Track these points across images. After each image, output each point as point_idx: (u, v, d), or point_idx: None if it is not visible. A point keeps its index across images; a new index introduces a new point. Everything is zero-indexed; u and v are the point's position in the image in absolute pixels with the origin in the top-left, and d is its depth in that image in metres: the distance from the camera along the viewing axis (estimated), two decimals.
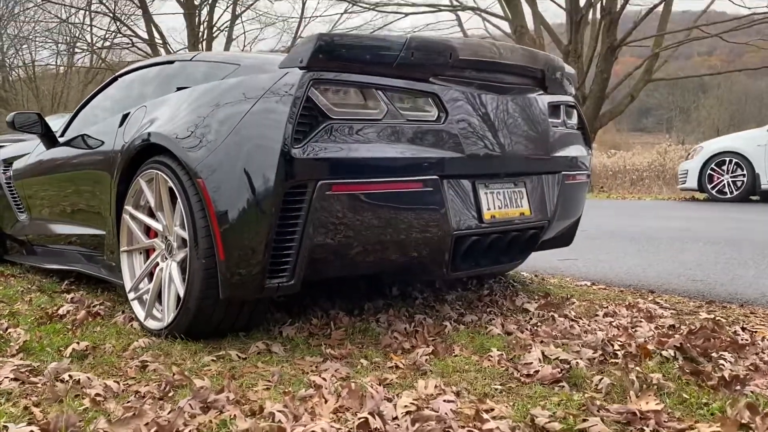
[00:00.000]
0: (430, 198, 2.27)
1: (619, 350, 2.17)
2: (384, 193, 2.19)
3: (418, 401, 1.71)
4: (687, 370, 1.94)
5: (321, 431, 1.52)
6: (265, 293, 2.15)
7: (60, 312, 2.74)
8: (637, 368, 1.97)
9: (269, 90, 2.18)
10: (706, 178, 9.10)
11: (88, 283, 3.44)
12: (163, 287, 2.42)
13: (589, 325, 2.56)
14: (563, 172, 2.83)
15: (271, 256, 2.10)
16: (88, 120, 3.54)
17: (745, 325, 2.57)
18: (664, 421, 1.60)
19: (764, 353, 2.16)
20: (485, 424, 1.57)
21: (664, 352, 2.11)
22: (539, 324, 2.56)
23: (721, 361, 2.05)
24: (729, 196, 8.88)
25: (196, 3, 20.75)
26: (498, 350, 2.17)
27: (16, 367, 1.98)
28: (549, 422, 1.59)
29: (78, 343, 2.24)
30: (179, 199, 2.30)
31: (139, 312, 2.54)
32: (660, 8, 15.62)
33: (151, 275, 2.55)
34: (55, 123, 3.97)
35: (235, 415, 1.62)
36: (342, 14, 22.04)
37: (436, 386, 1.82)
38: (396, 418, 1.62)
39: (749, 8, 15.15)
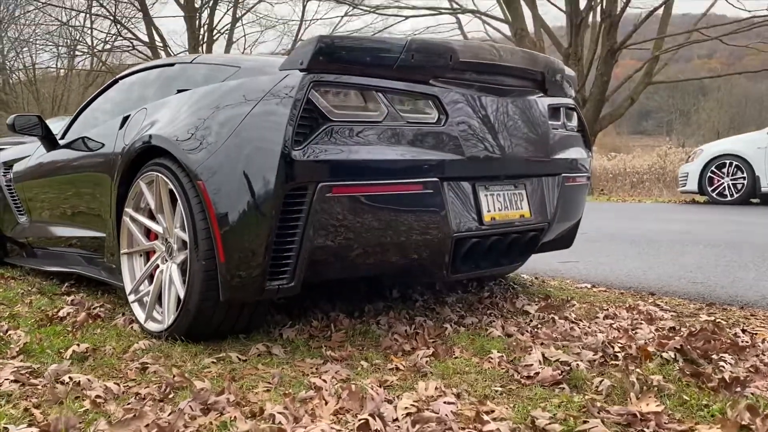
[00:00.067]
0: (430, 200, 2.27)
1: (619, 352, 2.17)
2: (384, 195, 2.19)
3: (418, 403, 1.71)
4: (687, 372, 1.94)
5: None
6: (266, 295, 2.15)
7: (60, 314, 2.74)
8: (638, 370, 1.97)
9: (269, 92, 2.18)
10: (706, 180, 9.10)
11: (88, 286, 3.44)
12: (164, 289, 2.42)
13: (589, 327, 2.55)
14: (563, 174, 2.84)
15: (272, 258, 2.10)
16: (88, 122, 3.54)
17: (745, 327, 2.57)
18: (665, 423, 1.60)
19: (764, 355, 2.16)
20: (485, 425, 1.57)
21: (664, 354, 2.11)
22: (539, 326, 2.56)
23: (722, 363, 2.05)
24: (729, 198, 8.88)
25: (196, 6, 20.78)
26: (498, 352, 2.17)
27: (16, 368, 1.98)
28: (549, 424, 1.59)
29: (78, 345, 2.24)
30: (179, 201, 2.30)
31: (140, 314, 2.55)
32: (660, 11, 15.65)
33: (151, 277, 2.55)
34: (56, 126, 3.97)
35: (235, 417, 1.62)
36: (342, 17, 22.02)
37: (436, 388, 1.82)
38: (396, 419, 1.62)
39: (749, 11, 15.16)
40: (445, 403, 1.70)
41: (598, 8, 15.35)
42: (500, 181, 2.55)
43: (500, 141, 2.51)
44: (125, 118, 2.92)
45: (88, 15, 21.99)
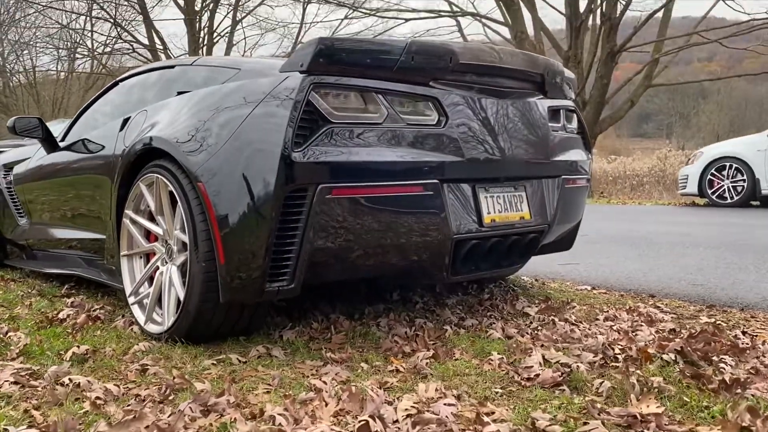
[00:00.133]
0: (430, 202, 2.27)
1: (619, 354, 2.16)
2: (384, 197, 2.19)
3: (418, 404, 1.71)
4: (687, 374, 1.94)
5: None
6: (266, 297, 2.15)
7: (60, 316, 2.74)
8: (638, 372, 1.97)
9: (270, 94, 2.18)
10: (706, 183, 9.11)
11: (88, 288, 3.44)
12: (164, 291, 2.42)
13: (589, 329, 2.55)
14: (563, 176, 2.84)
15: (272, 260, 2.10)
16: (88, 124, 3.55)
17: (745, 329, 2.57)
18: (665, 424, 1.59)
19: (765, 357, 2.16)
20: (486, 427, 1.57)
21: (664, 356, 2.11)
22: (540, 328, 2.56)
23: (722, 365, 2.05)
24: (729, 201, 8.88)
25: (196, 9, 20.80)
26: (498, 354, 2.17)
27: (16, 370, 1.98)
28: (550, 425, 1.59)
29: (78, 346, 2.24)
30: (179, 203, 2.30)
31: (140, 316, 2.54)
32: (660, 14, 15.68)
33: (151, 279, 2.55)
34: (56, 128, 3.98)
35: (235, 419, 1.62)
36: (342, 20, 22.05)
37: (436, 390, 1.82)
38: (396, 421, 1.62)
39: (749, 14, 15.16)
40: (445, 404, 1.70)
41: (598, 11, 15.37)
42: (500, 183, 2.55)
43: (500, 143, 2.51)
44: (125, 120, 2.93)
45: (88, 18, 22.03)
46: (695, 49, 19.78)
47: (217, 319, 2.28)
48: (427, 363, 2.08)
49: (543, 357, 2.11)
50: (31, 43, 23.62)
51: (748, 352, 2.19)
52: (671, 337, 2.41)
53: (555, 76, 2.81)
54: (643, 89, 16.48)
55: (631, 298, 3.25)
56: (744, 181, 8.75)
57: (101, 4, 20.66)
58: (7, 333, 2.47)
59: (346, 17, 21.48)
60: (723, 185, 8.97)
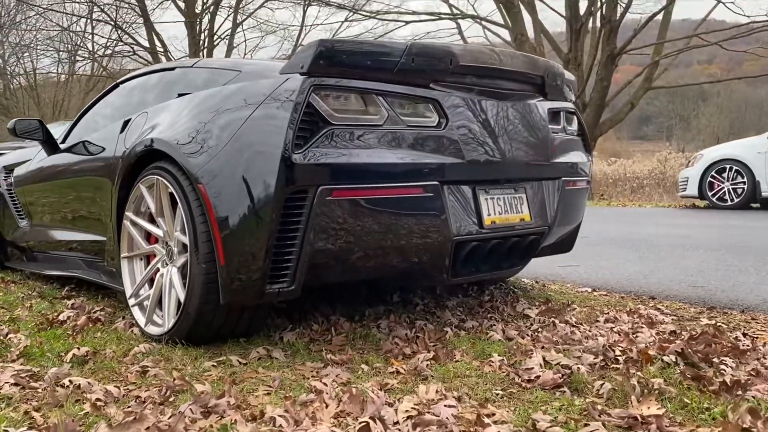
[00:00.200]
0: (430, 204, 2.27)
1: (620, 355, 2.16)
2: (384, 199, 2.19)
3: (419, 406, 1.71)
4: (688, 375, 1.94)
5: None
6: (266, 299, 2.15)
7: (60, 318, 2.74)
8: (639, 373, 1.97)
9: (270, 96, 2.18)
10: (706, 185, 9.11)
11: (88, 290, 3.44)
12: (164, 293, 2.42)
13: (590, 331, 2.55)
14: (563, 178, 2.84)
15: (272, 262, 2.10)
16: (89, 126, 3.55)
17: (746, 331, 2.57)
18: (666, 426, 1.59)
19: (765, 359, 2.16)
20: (486, 428, 1.57)
21: (665, 358, 2.11)
22: (540, 330, 2.56)
23: (723, 367, 2.04)
24: (729, 203, 8.88)
25: (197, 11, 20.82)
26: (499, 356, 2.17)
27: (16, 372, 1.98)
28: (550, 427, 1.59)
29: (78, 348, 2.24)
30: (180, 204, 2.30)
31: (140, 318, 2.54)
32: (660, 16, 15.69)
33: (151, 281, 2.55)
34: (57, 130, 3.98)
35: (235, 420, 1.62)
36: (342, 22, 22.04)
37: (437, 391, 1.82)
38: (397, 422, 1.62)
39: (748, 16, 15.17)
40: (445, 406, 1.70)
41: (598, 13, 15.38)
42: (500, 185, 2.56)
43: (500, 145, 2.51)
44: (126, 122, 2.93)
45: (89, 20, 22.03)
46: (695, 52, 19.79)
47: (218, 321, 2.28)
48: (427, 365, 2.08)
49: (543, 359, 2.11)
50: (32, 45, 23.64)
51: (748, 353, 2.19)
52: (672, 338, 2.41)
53: (555, 78, 2.81)
54: (643, 92, 16.49)
55: (632, 300, 3.25)
56: (744, 183, 8.75)
57: (102, 7, 20.67)
58: (7, 335, 2.47)
59: (346, 20, 21.49)
60: (723, 187, 8.97)
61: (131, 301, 2.62)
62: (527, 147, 2.64)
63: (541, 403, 1.77)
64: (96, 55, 23.01)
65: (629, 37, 15.62)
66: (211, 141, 2.25)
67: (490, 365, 2.09)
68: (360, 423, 1.59)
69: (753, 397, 1.79)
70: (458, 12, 18.83)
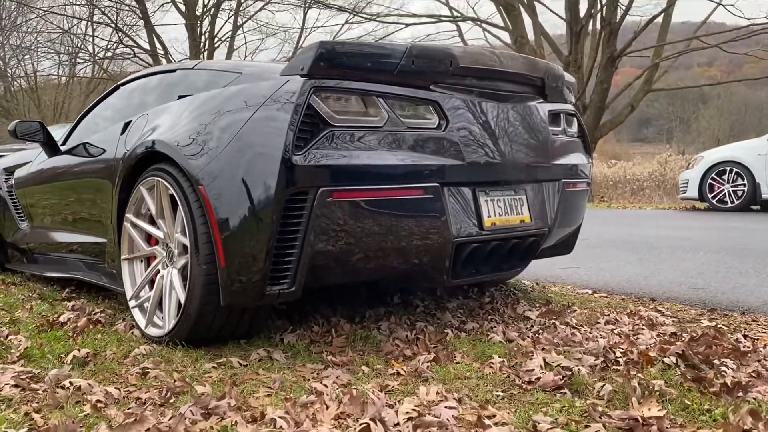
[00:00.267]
0: (430, 205, 2.27)
1: (620, 357, 2.16)
2: (385, 200, 2.20)
3: (419, 407, 1.71)
4: (689, 377, 1.94)
5: None
6: (266, 300, 2.15)
7: (61, 319, 2.74)
8: (639, 375, 1.97)
9: (270, 98, 2.19)
10: (706, 187, 9.11)
11: (89, 291, 3.44)
12: (164, 294, 2.42)
13: (590, 333, 2.55)
14: (563, 180, 2.84)
15: (272, 263, 2.10)
16: (89, 128, 3.55)
17: (746, 333, 2.57)
18: (667, 428, 1.59)
19: (766, 360, 2.16)
20: (487, 430, 1.57)
21: (665, 359, 2.11)
22: (540, 331, 2.56)
23: (723, 368, 2.04)
24: (729, 205, 8.88)
25: (197, 14, 20.85)
26: (499, 357, 2.17)
27: (17, 373, 1.97)
28: (551, 428, 1.59)
29: (79, 350, 2.24)
30: (180, 206, 2.30)
31: (140, 320, 2.54)
32: (660, 19, 15.69)
33: (152, 283, 2.55)
34: (57, 133, 3.98)
35: (236, 422, 1.62)
36: (343, 25, 22.07)
37: (437, 393, 1.82)
38: (398, 424, 1.62)
39: (748, 19, 15.21)
40: (446, 407, 1.70)
41: (598, 16, 15.40)
42: (500, 187, 2.56)
43: (500, 146, 2.51)
44: (126, 124, 2.93)
45: (89, 23, 22.07)
46: (695, 54, 19.78)
47: (218, 323, 2.27)
48: (428, 366, 2.08)
49: (544, 360, 2.11)
50: (33, 47, 23.66)
51: (749, 355, 2.19)
52: (672, 340, 2.41)
53: (555, 80, 2.82)
54: (643, 94, 16.50)
55: (632, 301, 3.25)
56: (744, 185, 8.75)
57: (102, 9, 20.72)
58: (7, 336, 2.47)
59: (346, 22, 21.52)
60: (723, 189, 8.97)
61: (132, 303, 2.62)
62: (527, 149, 2.64)
63: (542, 405, 1.77)
64: (96, 58, 23.05)
65: (629, 39, 15.63)
66: (211, 143, 2.26)
67: (491, 367, 2.09)
68: (360, 424, 1.59)
69: (754, 398, 1.79)
70: (458, 15, 18.86)
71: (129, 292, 2.65)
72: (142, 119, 2.81)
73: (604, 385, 1.87)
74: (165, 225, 2.47)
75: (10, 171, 4.24)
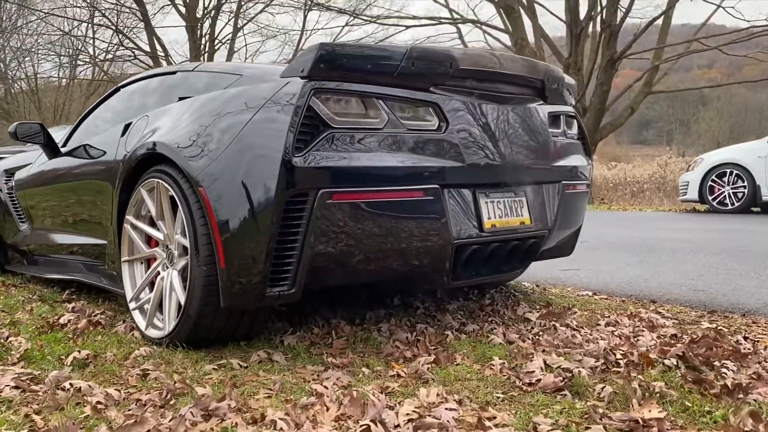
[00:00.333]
0: (430, 207, 2.27)
1: (621, 359, 2.16)
2: (385, 202, 2.20)
3: (420, 409, 1.71)
4: (689, 379, 1.94)
5: None
6: (266, 302, 2.15)
7: (61, 321, 2.74)
8: (640, 377, 1.96)
9: (270, 99, 2.19)
10: (706, 189, 9.11)
11: (89, 293, 3.44)
12: (164, 295, 2.42)
13: (590, 335, 2.55)
14: (563, 182, 2.84)
15: (272, 265, 2.10)
16: (90, 130, 3.55)
17: (747, 335, 2.57)
18: (667, 429, 1.59)
19: (766, 362, 2.16)
20: (487, 431, 1.57)
21: (666, 361, 2.11)
22: (541, 333, 2.56)
23: (724, 370, 2.04)
24: (730, 207, 8.88)
25: (198, 16, 20.88)
26: (500, 359, 2.17)
27: (17, 375, 1.97)
28: (551, 430, 1.59)
29: (79, 351, 2.23)
30: (180, 207, 2.30)
31: (140, 321, 2.54)
32: (660, 21, 15.71)
33: (152, 285, 2.55)
34: (58, 135, 3.98)
35: (236, 423, 1.62)
36: (343, 27, 22.10)
37: (438, 394, 1.82)
38: (398, 426, 1.62)
39: (748, 21, 15.21)
40: (446, 409, 1.70)
41: (598, 18, 15.42)
42: (500, 188, 2.56)
43: (500, 148, 2.51)
44: (127, 126, 2.93)
45: (90, 25, 22.10)
46: (695, 56, 19.81)
47: (218, 324, 2.27)
48: (428, 368, 2.08)
49: (544, 362, 2.11)
50: (33, 50, 23.70)
51: (749, 357, 2.19)
52: (673, 342, 2.41)
53: (555, 82, 2.82)
54: (643, 96, 16.51)
55: (633, 303, 3.25)
56: (744, 187, 8.76)
57: (103, 12, 20.75)
58: (8, 338, 2.47)
59: (347, 24, 21.56)
60: (723, 192, 8.98)
61: (132, 305, 2.62)
62: (527, 150, 2.64)
63: (542, 407, 1.77)
64: (97, 60, 23.08)
65: (629, 41, 15.65)
66: (211, 144, 2.26)
67: (491, 368, 2.09)
68: (361, 426, 1.59)
69: (754, 400, 1.78)
70: (458, 17, 18.89)
71: (129, 294, 2.65)
72: (143, 121, 2.82)
73: (604, 386, 1.87)
74: (165, 226, 2.47)
75: (10, 173, 4.24)
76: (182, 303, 2.29)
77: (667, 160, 18.65)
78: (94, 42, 23.02)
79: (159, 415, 1.68)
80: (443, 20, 18.91)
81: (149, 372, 2.04)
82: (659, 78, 16.74)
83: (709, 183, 9.09)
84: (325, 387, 1.88)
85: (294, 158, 2.05)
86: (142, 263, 2.68)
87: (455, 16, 18.91)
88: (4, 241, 4.23)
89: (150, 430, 1.55)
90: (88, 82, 25.10)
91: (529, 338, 2.48)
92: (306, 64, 2.16)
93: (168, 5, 20.87)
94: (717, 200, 9.02)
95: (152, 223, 2.58)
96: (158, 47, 20.85)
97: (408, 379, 2.00)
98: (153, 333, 2.45)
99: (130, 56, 21.67)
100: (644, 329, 2.64)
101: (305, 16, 22.36)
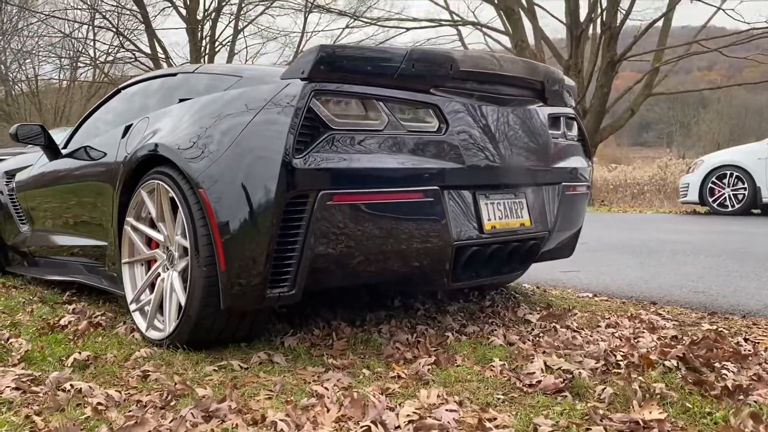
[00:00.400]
0: (430, 208, 2.27)
1: (621, 360, 2.16)
2: (385, 204, 2.20)
3: (420, 410, 1.71)
4: (690, 380, 1.94)
5: None
6: (266, 303, 2.15)
7: (61, 322, 2.74)
8: (640, 378, 1.96)
9: (271, 101, 2.19)
10: (707, 191, 9.11)
11: (89, 294, 3.44)
12: (165, 297, 2.42)
13: (591, 336, 2.55)
14: (563, 183, 2.84)
15: (272, 266, 2.10)
16: (90, 132, 3.56)
17: (747, 336, 2.56)
18: (668, 431, 1.59)
19: (767, 363, 2.16)
20: None
21: (666, 362, 2.11)
22: (541, 335, 2.56)
23: (724, 371, 2.04)
24: (730, 209, 8.88)
25: (198, 18, 20.90)
26: (500, 360, 2.17)
27: (17, 376, 1.98)
28: (552, 431, 1.59)
29: (79, 353, 2.23)
30: (180, 208, 2.30)
31: (141, 323, 2.54)
32: (660, 23, 15.73)
33: (152, 286, 2.55)
34: (58, 136, 3.99)
35: (237, 424, 1.62)
36: (344, 29, 22.13)
37: (438, 396, 1.82)
38: (398, 427, 1.62)
39: (748, 23, 15.21)
40: (447, 410, 1.70)
41: (598, 20, 15.42)
42: (500, 190, 2.56)
43: (500, 150, 2.51)
44: (127, 128, 2.94)
45: (90, 27, 22.13)
46: (695, 58, 19.86)
47: (218, 325, 2.27)
48: (428, 369, 2.08)
49: (545, 363, 2.11)
50: (34, 51, 23.73)
51: (750, 358, 2.19)
52: (673, 343, 2.41)
53: (555, 84, 2.82)
54: (644, 98, 16.52)
55: (633, 305, 3.25)
56: (745, 189, 8.76)
57: (104, 14, 20.78)
58: (8, 339, 2.47)
59: (347, 26, 21.59)
60: (724, 193, 8.97)
61: (132, 307, 2.62)
62: (527, 152, 2.64)
63: (543, 408, 1.77)
64: (98, 62, 23.10)
65: (629, 43, 15.66)
66: (212, 146, 2.26)
67: (492, 370, 2.09)
68: (361, 427, 1.59)
69: (755, 401, 1.79)
70: (459, 19, 18.90)
71: (129, 296, 2.65)
72: (143, 123, 2.82)
73: (605, 388, 1.87)
74: (165, 228, 2.47)
75: (11, 174, 4.24)
76: (182, 304, 2.29)
77: (667, 162, 18.65)
78: (94, 44, 23.07)
79: (159, 416, 1.68)
80: (443, 22, 18.92)
81: (150, 373, 2.04)
82: (659, 80, 16.75)
83: (710, 185, 9.09)
84: (326, 388, 1.88)
85: (294, 160, 2.05)
86: (142, 265, 2.69)
87: (455, 18, 18.93)
88: (4, 242, 4.23)
89: (150, 431, 1.55)
90: (88, 84, 25.12)
91: (529, 340, 2.48)
92: (306, 66, 2.16)
93: (169, 7, 20.91)
94: (717, 202, 9.02)
95: (152, 225, 2.58)
96: (159, 49, 20.88)
97: (408, 380, 2.00)
98: (153, 334, 2.45)
99: (131, 58, 21.71)
100: (645, 331, 2.64)
101: (306, 18, 22.41)
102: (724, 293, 3.44)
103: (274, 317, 2.73)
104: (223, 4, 21.45)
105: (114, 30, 21.22)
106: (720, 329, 2.64)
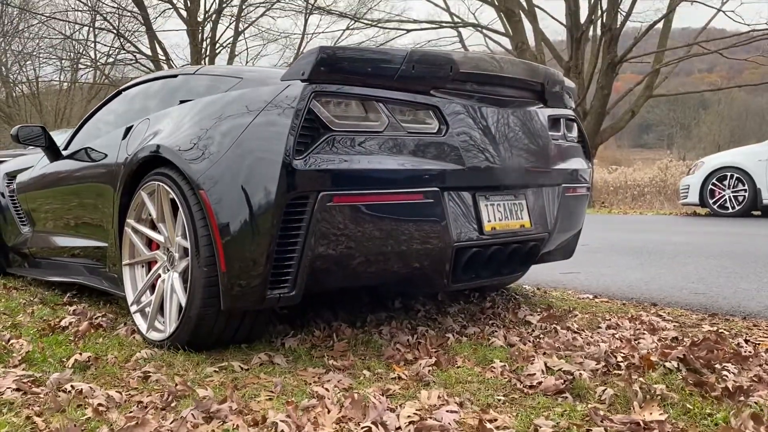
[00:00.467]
0: (430, 210, 2.28)
1: (622, 361, 2.16)
2: (385, 205, 2.20)
3: (421, 412, 1.71)
4: (690, 381, 1.94)
5: None
6: (267, 304, 2.15)
7: (62, 324, 2.74)
8: (641, 379, 1.96)
9: (271, 102, 2.19)
10: (707, 193, 9.11)
11: (90, 296, 3.44)
12: (165, 297, 2.43)
13: (591, 337, 2.55)
14: (563, 185, 2.84)
15: (273, 267, 2.10)
16: (91, 133, 3.56)
17: (748, 338, 2.56)
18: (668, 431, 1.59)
19: (767, 365, 2.16)
20: None
21: (667, 364, 2.11)
22: (542, 336, 2.56)
23: (725, 373, 2.04)
24: (730, 210, 8.88)
25: (199, 20, 20.92)
26: (501, 361, 2.17)
27: (18, 377, 1.98)
28: None
29: (80, 354, 2.24)
30: (181, 209, 2.31)
31: (141, 324, 2.55)
32: (660, 25, 15.74)
33: (153, 287, 2.56)
34: (59, 138, 3.99)
35: (237, 425, 1.62)
36: (344, 31, 22.17)
37: (439, 397, 1.82)
38: (399, 428, 1.62)
39: (748, 25, 15.21)
40: (447, 411, 1.70)
41: (599, 22, 15.43)
42: (500, 191, 2.56)
43: (501, 151, 2.52)
44: (128, 129, 2.94)
45: (91, 29, 22.15)
46: (695, 60, 19.90)
47: (219, 326, 2.28)
48: (429, 370, 2.08)
49: (545, 365, 2.11)
50: (35, 53, 23.74)
51: (750, 360, 2.19)
52: (674, 345, 2.41)
53: (555, 85, 2.82)
54: (644, 100, 16.52)
55: (633, 306, 3.25)
56: (745, 191, 8.76)
57: (104, 15, 20.80)
58: (9, 340, 2.47)
59: (347, 28, 21.62)
60: (724, 195, 8.97)
61: (133, 308, 2.62)
62: (527, 154, 2.65)
63: (544, 409, 1.77)
64: (98, 63, 23.11)
65: (630, 45, 15.66)
66: (212, 147, 2.26)
67: (492, 371, 2.09)
68: (362, 428, 1.59)
69: (755, 402, 1.78)
70: (459, 21, 18.91)
71: (130, 297, 2.66)
72: (144, 124, 2.82)
73: (605, 389, 1.87)
74: (166, 229, 2.47)
75: (11, 176, 4.25)
76: (183, 305, 2.30)
77: (667, 163, 18.66)
78: (95, 46, 23.08)
79: (160, 417, 1.68)
80: (444, 24, 18.93)
81: (150, 374, 2.04)
82: (660, 81, 16.76)
83: (710, 186, 9.09)
84: (326, 389, 1.89)
85: (294, 161, 2.05)
86: (143, 266, 2.69)
87: (456, 19, 18.94)
88: (5, 243, 4.24)
89: None
90: (89, 85, 25.14)
91: (530, 341, 2.48)
92: (306, 68, 2.17)
93: (169, 9, 20.92)
94: (718, 204, 9.02)
95: (153, 226, 2.58)
96: (159, 51, 20.89)
97: (409, 381, 2.00)
98: (154, 335, 2.45)
99: (132, 60, 21.72)
100: (645, 332, 2.64)
101: (306, 20, 22.43)
102: (725, 295, 3.44)
103: (275, 318, 2.73)
104: (224, 5, 21.48)
105: (115, 32, 21.24)
106: (720, 330, 2.64)
